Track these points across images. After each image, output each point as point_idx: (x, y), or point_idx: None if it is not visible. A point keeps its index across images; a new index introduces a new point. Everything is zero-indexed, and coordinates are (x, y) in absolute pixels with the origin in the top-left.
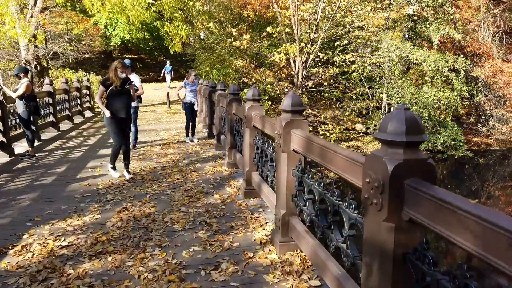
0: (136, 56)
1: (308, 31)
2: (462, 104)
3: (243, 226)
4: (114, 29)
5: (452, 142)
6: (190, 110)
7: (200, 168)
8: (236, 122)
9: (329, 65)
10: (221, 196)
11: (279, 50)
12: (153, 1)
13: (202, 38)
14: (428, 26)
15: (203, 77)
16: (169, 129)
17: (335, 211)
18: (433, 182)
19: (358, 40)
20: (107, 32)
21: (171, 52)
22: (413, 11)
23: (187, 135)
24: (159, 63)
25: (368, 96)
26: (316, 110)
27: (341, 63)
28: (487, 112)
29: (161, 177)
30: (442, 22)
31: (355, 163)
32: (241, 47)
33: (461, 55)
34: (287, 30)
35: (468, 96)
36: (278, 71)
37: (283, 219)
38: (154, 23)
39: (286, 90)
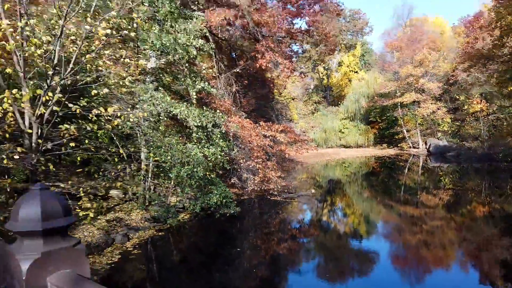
0: None
1: (50, 72)
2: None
3: None
4: None
5: (224, 200)
6: None
7: None
8: None
9: (79, 120)
10: None
11: None
12: None
13: None
14: (182, 79)
15: None
16: None
17: None
18: (85, 271)
19: (123, 89)
20: None
21: None
22: (165, 62)
23: None
24: None
25: (123, 156)
26: (70, 182)
27: (95, 117)
28: (241, 164)
29: None
30: (197, 77)
31: None
32: None
33: (216, 111)
34: (9, 70)
35: (227, 150)
36: None
37: None
38: None
39: (16, 156)
